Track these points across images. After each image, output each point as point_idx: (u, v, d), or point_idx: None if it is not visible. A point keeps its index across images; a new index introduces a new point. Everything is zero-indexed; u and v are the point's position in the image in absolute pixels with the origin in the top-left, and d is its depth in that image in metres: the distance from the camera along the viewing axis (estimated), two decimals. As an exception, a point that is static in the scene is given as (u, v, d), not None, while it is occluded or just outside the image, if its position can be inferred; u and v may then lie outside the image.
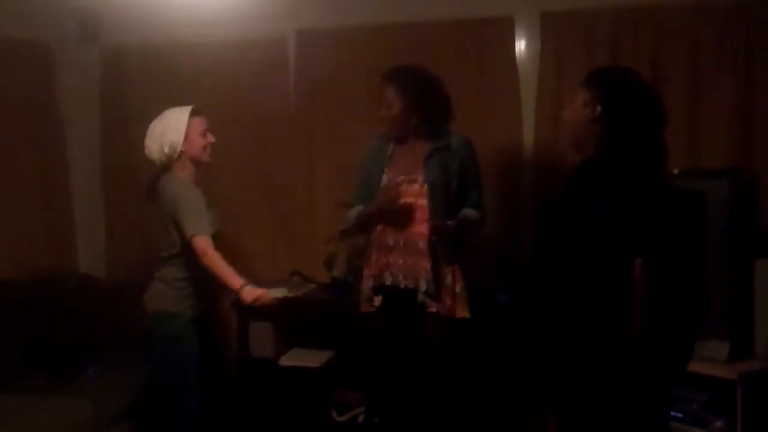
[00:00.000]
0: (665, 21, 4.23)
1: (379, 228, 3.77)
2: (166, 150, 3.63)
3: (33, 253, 4.90)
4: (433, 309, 3.68)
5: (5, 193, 4.72)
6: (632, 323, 2.69)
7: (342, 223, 4.44)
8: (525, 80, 4.51)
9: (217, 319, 4.81)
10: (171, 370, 3.71)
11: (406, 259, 3.70)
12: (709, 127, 4.14)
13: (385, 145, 3.81)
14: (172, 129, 3.65)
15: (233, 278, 3.62)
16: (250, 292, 3.62)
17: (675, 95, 4.09)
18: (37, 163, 4.98)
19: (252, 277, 4.75)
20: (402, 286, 3.72)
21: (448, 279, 3.68)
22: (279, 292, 4.63)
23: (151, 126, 3.70)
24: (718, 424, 3.58)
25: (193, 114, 3.68)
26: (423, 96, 3.68)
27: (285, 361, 4.68)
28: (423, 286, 3.66)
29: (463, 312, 3.71)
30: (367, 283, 3.83)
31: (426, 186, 3.66)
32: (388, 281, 3.75)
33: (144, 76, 5.08)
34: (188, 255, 3.63)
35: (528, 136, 4.51)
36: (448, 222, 3.63)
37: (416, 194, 3.67)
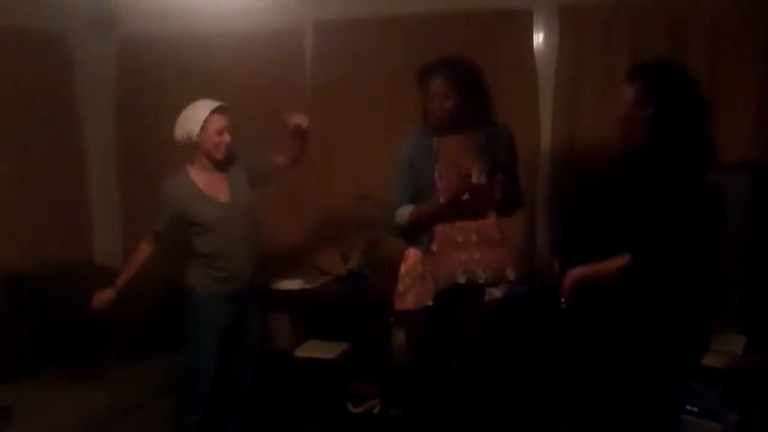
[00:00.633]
0: (684, 13, 4.21)
1: (439, 226, 3.60)
2: (183, 136, 3.78)
3: (49, 244, 4.92)
4: (499, 295, 3.63)
5: (21, 184, 4.73)
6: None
7: (361, 215, 4.47)
8: (542, 73, 4.50)
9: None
10: (186, 343, 3.91)
11: (483, 254, 3.58)
12: (729, 120, 4.09)
13: (427, 139, 3.67)
14: (191, 119, 3.76)
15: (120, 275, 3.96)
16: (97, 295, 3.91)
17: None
18: (52, 154, 4.99)
19: (269, 268, 4.83)
20: (482, 281, 3.58)
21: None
22: (295, 284, 4.67)
23: (183, 112, 3.80)
24: (733, 418, 3.58)
25: (216, 111, 3.76)
26: (475, 87, 3.60)
27: (301, 352, 4.69)
28: (511, 275, 3.57)
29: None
30: (429, 282, 3.64)
31: (483, 177, 3.48)
32: (462, 280, 3.56)
33: (160, 66, 5.10)
34: (202, 238, 3.82)
35: (545, 130, 4.50)
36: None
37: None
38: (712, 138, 2.82)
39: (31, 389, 3.95)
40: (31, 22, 4.77)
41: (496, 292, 3.63)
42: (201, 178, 3.85)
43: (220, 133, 3.78)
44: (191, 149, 3.82)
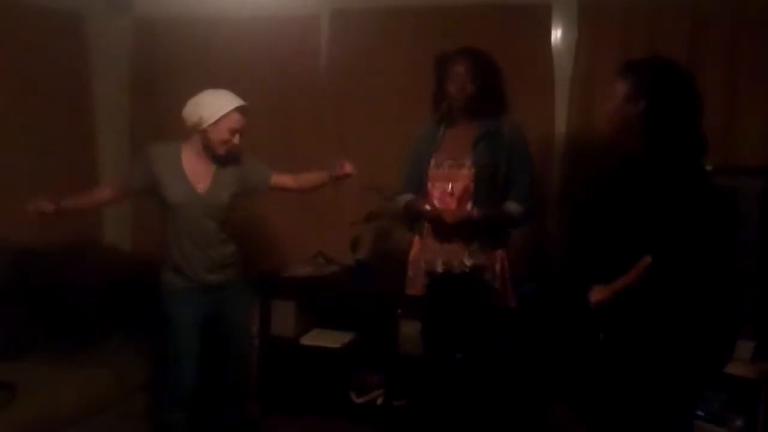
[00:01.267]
0: (703, 12, 4.18)
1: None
2: (193, 119, 3.64)
3: (58, 222, 4.90)
4: (487, 276, 3.66)
5: (35, 162, 4.72)
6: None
7: (370, 206, 4.46)
8: (559, 69, 4.48)
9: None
10: (163, 340, 3.85)
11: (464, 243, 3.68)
12: (745, 122, 4.09)
13: (435, 129, 3.80)
14: (210, 106, 3.63)
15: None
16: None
17: (712, 88, 4.04)
18: (66, 132, 4.97)
19: (279, 257, 4.83)
20: (458, 272, 3.68)
21: (497, 266, 3.68)
22: (303, 271, 4.67)
23: (201, 93, 3.68)
24: (738, 423, 3.57)
25: (237, 109, 3.66)
26: (493, 79, 3.70)
27: (306, 340, 4.69)
28: (468, 261, 3.64)
29: (512, 301, 3.71)
30: (417, 266, 3.82)
31: (474, 169, 3.63)
32: (440, 269, 3.72)
33: (176, 48, 5.08)
34: (166, 224, 3.78)
35: (560, 126, 4.48)
36: (475, 211, 3.62)
37: (464, 178, 3.65)
38: (705, 133, 2.79)
39: (35, 366, 3.94)
40: (48, 0, 4.75)
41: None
42: (189, 159, 3.73)
43: (233, 132, 3.67)
44: (193, 132, 3.70)
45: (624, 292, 2.77)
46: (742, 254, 3.33)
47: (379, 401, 4.53)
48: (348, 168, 3.82)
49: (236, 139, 3.70)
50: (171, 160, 3.72)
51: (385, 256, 4.58)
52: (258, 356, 4.72)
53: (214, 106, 3.62)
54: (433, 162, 3.74)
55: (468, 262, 3.64)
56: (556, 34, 4.49)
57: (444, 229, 3.67)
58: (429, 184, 3.74)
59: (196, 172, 3.74)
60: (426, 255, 3.78)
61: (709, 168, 3.49)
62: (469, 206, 3.64)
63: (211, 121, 3.61)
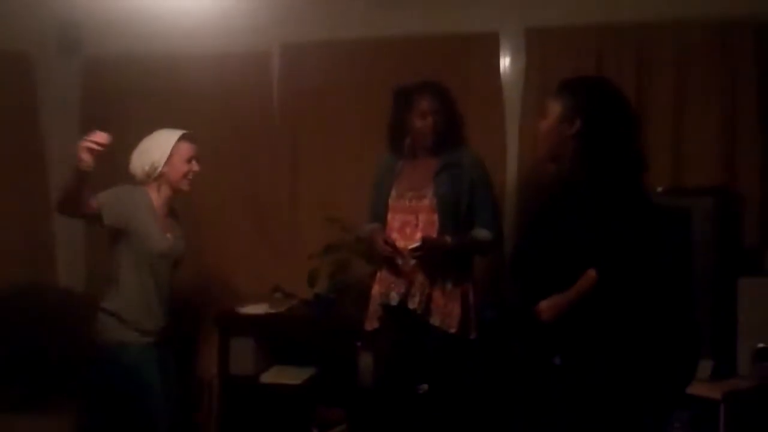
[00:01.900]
0: (650, 38, 4.25)
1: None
2: (146, 168, 3.59)
3: (12, 265, 4.84)
4: (453, 330, 3.63)
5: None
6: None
7: (328, 238, 4.44)
8: (509, 96, 4.50)
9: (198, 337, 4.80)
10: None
11: (419, 277, 3.65)
12: (693, 145, 4.14)
13: (394, 161, 3.80)
14: (156, 149, 3.60)
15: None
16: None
17: (660, 113, 4.11)
18: (16, 174, 4.93)
19: (235, 292, 4.77)
20: (412, 307, 3.65)
21: (455, 298, 3.64)
22: (260, 308, 4.62)
23: (141, 142, 3.65)
24: (701, 441, 3.57)
25: (183, 138, 3.63)
26: (454, 113, 3.74)
27: (266, 378, 4.62)
28: (416, 301, 3.62)
29: (473, 332, 3.69)
30: (375, 301, 3.79)
31: (435, 200, 3.64)
32: (395, 302, 3.68)
33: (126, 87, 5.02)
34: (127, 277, 3.56)
35: (512, 153, 4.50)
36: (447, 238, 3.61)
37: (426, 209, 3.65)
38: (643, 152, 2.81)
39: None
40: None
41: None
42: (159, 204, 3.65)
43: (188, 161, 3.63)
44: (149, 180, 3.61)
45: (570, 307, 2.76)
46: (696, 273, 3.38)
47: (342, 436, 4.48)
48: None
49: (195, 166, 3.66)
50: (144, 205, 3.60)
51: (344, 288, 4.54)
52: (218, 396, 4.66)
53: (161, 145, 3.60)
54: (393, 193, 3.74)
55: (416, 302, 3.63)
56: (505, 62, 4.53)
57: (402, 266, 3.66)
58: (389, 215, 3.74)
59: (163, 217, 3.68)
60: (383, 288, 3.76)
61: (659, 190, 3.54)
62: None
63: (164, 159, 3.57)
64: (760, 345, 3.58)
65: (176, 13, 4.48)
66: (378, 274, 3.82)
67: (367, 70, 4.66)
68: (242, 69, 4.88)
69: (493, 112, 4.49)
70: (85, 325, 4.15)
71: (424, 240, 3.57)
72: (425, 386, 3.80)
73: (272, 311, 4.61)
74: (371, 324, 3.82)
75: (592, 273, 2.69)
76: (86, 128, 5.06)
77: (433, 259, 3.60)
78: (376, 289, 3.81)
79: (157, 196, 3.64)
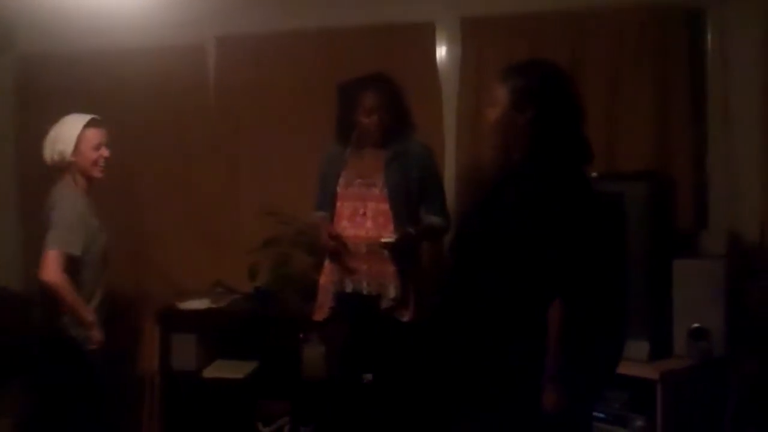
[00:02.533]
0: (585, 26, 4.29)
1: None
2: (55, 157, 3.52)
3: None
4: (406, 318, 3.65)
5: None
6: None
7: (268, 231, 4.42)
8: (446, 86, 4.52)
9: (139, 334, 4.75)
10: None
11: (370, 266, 3.67)
12: (625, 130, 4.21)
13: (341, 150, 3.80)
14: (63, 137, 3.53)
15: (83, 310, 3.46)
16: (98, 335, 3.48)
17: (594, 99, 4.14)
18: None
19: (176, 287, 4.73)
20: (365, 293, 3.68)
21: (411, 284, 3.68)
22: (201, 303, 4.59)
23: (50, 130, 3.57)
24: (639, 423, 3.62)
25: (89, 125, 3.56)
26: (401, 105, 3.74)
27: (208, 373, 4.58)
28: (392, 293, 3.64)
29: (419, 317, 3.71)
30: (325, 290, 3.80)
31: (386, 190, 3.65)
32: (349, 288, 3.71)
33: (60, 84, 4.91)
34: (80, 273, 3.51)
35: (450, 143, 4.52)
36: (410, 230, 3.64)
37: (376, 198, 3.67)
38: (588, 139, 2.77)
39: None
40: None
41: (387, 302, 3.67)
42: (85, 200, 3.58)
43: (97, 147, 3.54)
44: (63, 170, 3.55)
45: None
46: (631, 257, 3.42)
47: (286, 429, 4.46)
48: None
49: (105, 152, 3.58)
50: (82, 205, 3.54)
51: (285, 281, 4.53)
52: (160, 392, 4.63)
53: (65, 133, 3.52)
54: (342, 181, 3.74)
55: (392, 293, 3.65)
56: (441, 51, 4.55)
57: (350, 260, 3.67)
58: (339, 204, 3.74)
59: (92, 211, 3.61)
60: (334, 276, 3.76)
61: (594, 175, 3.56)
62: (391, 228, 3.64)
63: (71, 147, 3.49)
64: (695, 325, 3.65)
65: (111, 7, 4.40)
66: (326, 264, 3.82)
67: (304, 62, 4.64)
68: (178, 63, 4.82)
69: (430, 102, 4.50)
70: (23, 324, 4.12)
71: (403, 235, 3.59)
72: (369, 376, 3.82)
73: (213, 306, 4.58)
74: (321, 314, 3.83)
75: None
76: (22, 126, 5.07)
77: (404, 251, 3.63)
78: (325, 279, 3.81)
79: (75, 188, 3.56)
